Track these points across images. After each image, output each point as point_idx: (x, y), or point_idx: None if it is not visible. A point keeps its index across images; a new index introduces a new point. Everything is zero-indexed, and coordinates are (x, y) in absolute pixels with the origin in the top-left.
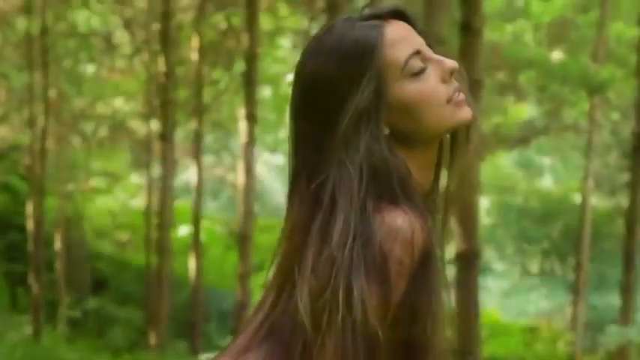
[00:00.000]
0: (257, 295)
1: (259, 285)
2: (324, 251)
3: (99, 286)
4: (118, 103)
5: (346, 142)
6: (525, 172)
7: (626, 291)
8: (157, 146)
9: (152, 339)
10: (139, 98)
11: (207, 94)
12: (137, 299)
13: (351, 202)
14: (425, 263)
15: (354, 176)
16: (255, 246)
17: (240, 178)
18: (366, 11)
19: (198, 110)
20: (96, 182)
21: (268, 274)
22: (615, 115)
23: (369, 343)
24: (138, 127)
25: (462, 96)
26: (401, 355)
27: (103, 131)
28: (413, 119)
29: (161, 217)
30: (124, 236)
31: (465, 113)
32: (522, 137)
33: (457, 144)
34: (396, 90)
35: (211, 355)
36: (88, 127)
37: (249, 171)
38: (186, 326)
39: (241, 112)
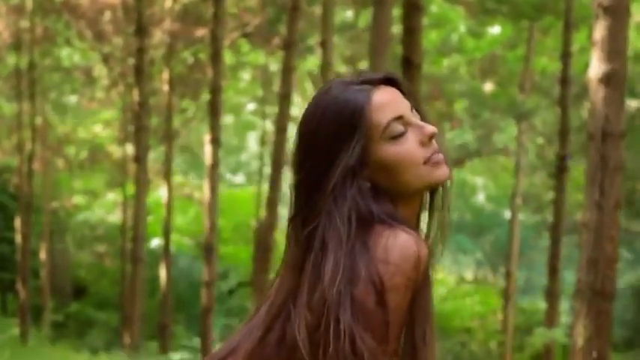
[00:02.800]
0: (221, 301)
1: (223, 291)
2: (317, 289)
3: (79, 292)
4: (97, 129)
5: (335, 194)
6: (460, 191)
7: (551, 296)
8: (131, 167)
9: (126, 339)
10: (115, 125)
11: (176, 121)
12: (113, 304)
13: (340, 245)
14: (426, 279)
15: (343, 223)
16: (219, 256)
17: (205, 195)
18: (361, 76)
19: (169, 135)
20: (77, 199)
21: (258, 307)
22: (540, 140)
23: None
24: (114, 150)
25: (440, 157)
26: None
27: (84, 154)
28: (392, 177)
29: (135, 230)
30: (101, 247)
31: (441, 173)
32: (457, 159)
33: (435, 200)
34: (377, 150)
35: (179, 354)
36: (71, 150)
37: (214, 189)
38: (157, 328)
39: (207, 137)
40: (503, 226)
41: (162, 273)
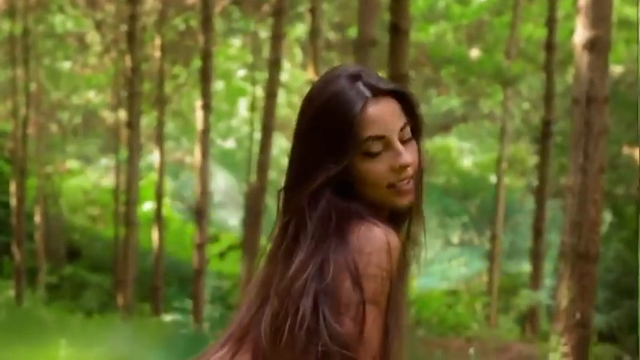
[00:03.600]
0: (212, 263)
1: (213, 254)
2: (284, 280)
3: (73, 254)
4: (90, 95)
5: (314, 194)
6: (447, 156)
7: (535, 259)
8: (124, 132)
9: (119, 301)
10: (108, 91)
11: (168, 87)
12: (106, 266)
13: (312, 239)
14: (400, 270)
15: (318, 219)
16: (210, 219)
17: (197, 160)
18: (371, 79)
19: (160, 101)
20: (71, 164)
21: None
22: (526, 105)
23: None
24: (107, 116)
25: (406, 187)
26: None
27: (77, 120)
28: (359, 187)
29: (128, 194)
30: (95, 211)
31: (401, 201)
32: (444, 125)
33: (398, 222)
34: (353, 160)
35: (171, 315)
36: (64, 116)
37: (205, 154)
38: (150, 290)
39: (198, 103)
40: (489, 190)
41: (155, 236)
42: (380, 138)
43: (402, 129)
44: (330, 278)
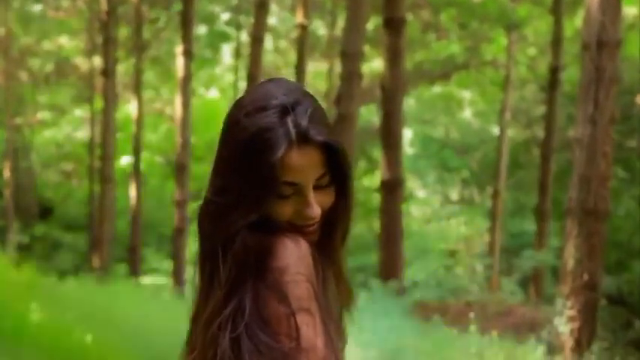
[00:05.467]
0: (194, 223)
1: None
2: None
3: (45, 212)
4: (63, 40)
5: (225, 240)
6: (446, 106)
7: (540, 217)
8: (99, 81)
9: (95, 262)
10: (82, 36)
11: (146, 32)
12: (81, 225)
13: (224, 284)
14: (319, 273)
15: (230, 263)
16: (192, 175)
17: (177, 110)
18: (302, 119)
19: (138, 47)
20: (42, 115)
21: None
22: (532, 51)
23: None
24: (81, 63)
25: (311, 229)
26: None
27: (49, 67)
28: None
29: (103, 148)
30: (68, 166)
31: (304, 238)
32: (444, 72)
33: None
34: None
35: (150, 277)
36: (35, 63)
37: (186, 104)
38: (127, 250)
39: (178, 48)
40: (491, 142)
41: (132, 193)
42: (292, 184)
43: (318, 178)
44: (252, 308)
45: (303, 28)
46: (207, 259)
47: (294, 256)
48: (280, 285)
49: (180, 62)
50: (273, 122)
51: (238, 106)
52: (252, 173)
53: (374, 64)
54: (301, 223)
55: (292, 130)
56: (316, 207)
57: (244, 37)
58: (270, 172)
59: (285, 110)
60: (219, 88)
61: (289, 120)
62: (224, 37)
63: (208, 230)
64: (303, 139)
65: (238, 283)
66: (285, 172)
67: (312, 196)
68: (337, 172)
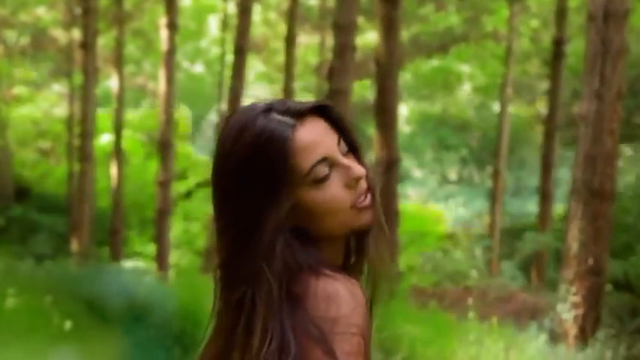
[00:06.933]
0: (179, 205)
1: (179, 192)
2: (246, 356)
3: (22, 193)
4: (40, 11)
5: (266, 255)
6: (444, 80)
7: (543, 197)
8: (78, 55)
9: (74, 246)
10: (60, 7)
11: (128, 3)
12: (60, 207)
13: (270, 309)
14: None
15: (273, 284)
16: (176, 154)
17: (161, 86)
18: (284, 106)
19: (119, 19)
20: (18, 90)
21: None
22: (535, 23)
23: None
24: (59, 35)
25: (366, 202)
26: None
27: (25, 40)
28: (315, 222)
29: (83, 125)
30: (46, 144)
31: (365, 219)
32: (442, 45)
33: (363, 243)
34: (300, 196)
35: (133, 261)
36: (11, 35)
37: (170, 79)
38: (108, 233)
39: (162, 20)
40: (492, 119)
41: (113, 172)
42: (323, 160)
43: (338, 143)
44: (296, 350)
45: None
46: (249, 287)
47: (350, 306)
48: (326, 337)
49: (163, 34)
50: (262, 123)
51: (223, 138)
52: (268, 175)
53: (368, 37)
54: (356, 198)
55: (283, 117)
56: (357, 165)
57: (231, 7)
58: (286, 162)
59: (265, 111)
60: (205, 62)
61: (274, 113)
62: (210, 8)
63: (239, 260)
64: (297, 115)
65: (276, 309)
66: (307, 155)
67: (345, 160)
68: (346, 134)
